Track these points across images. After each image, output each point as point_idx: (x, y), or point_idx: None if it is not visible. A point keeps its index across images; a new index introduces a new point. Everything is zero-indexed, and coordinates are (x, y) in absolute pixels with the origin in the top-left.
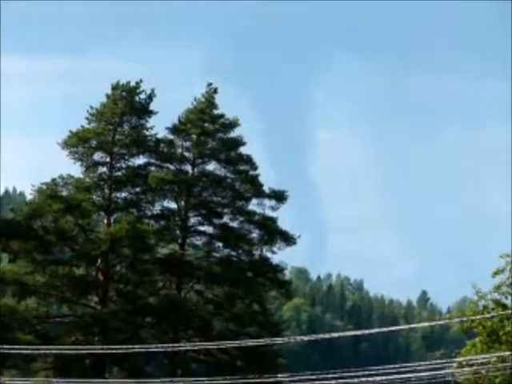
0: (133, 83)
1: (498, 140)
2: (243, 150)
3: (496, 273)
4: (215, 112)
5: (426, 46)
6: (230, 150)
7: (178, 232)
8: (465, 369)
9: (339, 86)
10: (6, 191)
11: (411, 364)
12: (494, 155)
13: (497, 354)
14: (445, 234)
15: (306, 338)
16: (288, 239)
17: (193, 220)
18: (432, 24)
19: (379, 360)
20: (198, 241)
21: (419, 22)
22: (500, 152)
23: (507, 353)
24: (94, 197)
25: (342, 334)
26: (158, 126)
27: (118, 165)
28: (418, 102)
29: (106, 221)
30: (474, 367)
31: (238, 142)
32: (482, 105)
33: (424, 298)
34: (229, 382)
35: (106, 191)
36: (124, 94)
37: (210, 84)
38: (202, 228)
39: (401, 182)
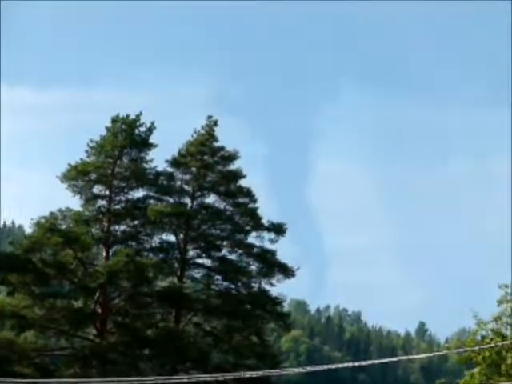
0: (133, 116)
1: (502, 170)
2: (243, 182)
3: (501, 301)
4: (215, 144)
5: (431, 76)
6: (229, 183)
7: (176, 265)
8: None
9: (343, 116)
10: (5, 224)
11: None
12: (498, 186)
13: None
14: (444, 265)
15: (304, 370)
16: (287, 271)
17: (191, 253)
18: (437, 52)
19: None
20: (197, 273)
21: (425, 51)
22: (504, 182)
23: None
24: (93, 230)
25: (340, 365)
26: (158, 158)
27: (117, 198)
28: (422, 132)
29: (104, 253)
30: None
31: (237, 175)
32: (487, 135)
33: (422, 329)
34: None
35: (105, 224)
36: (124, 126)
37: (211, 117)
38: (200, 261)
39: (402, 213)
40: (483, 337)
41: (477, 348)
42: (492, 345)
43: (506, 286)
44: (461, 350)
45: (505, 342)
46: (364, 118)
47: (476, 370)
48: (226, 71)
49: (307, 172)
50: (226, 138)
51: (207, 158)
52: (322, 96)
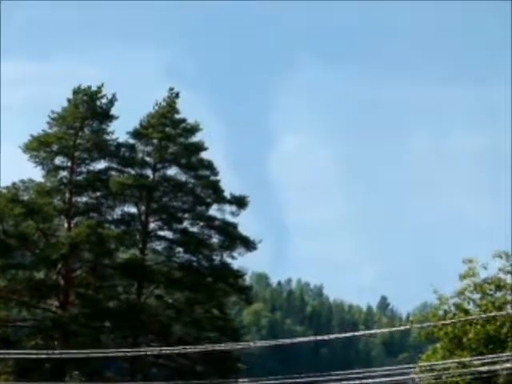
0: (94, 87)
1: (463, 146)
2: (204, 155)
3: (463, 276)
4: (176, 117)
5: (393, 51)
6: (191, 155)
7: (138, 237)
8: (426, 374)
9: (304, 91)
10: None
11: (372, 369)
12: (459, 162)
13: (458, 360)
14: (405, 239)
15: (266, 344)
16: (248, 244)
17: (153, 225)
18: (397, 30)
19: (339, 365)
20: (159, 246)
21: (386, 27)
22: (466, 158)
23: (468, 358)
24: (55, 201)
25: (302, 339)
26: (120, 130)
27: (79, 169)
28: (384, 107)
29: (66, 225)
30: (435, 372)
31: (199, 147)
32: (448, 111)
33: (384, 303)
34: None
35: (67, 195)
36: (85, 98)
37: (172, 89)
38: (162, 233)
39: (364, 188)
40: (445, 311)
41: (439, 323)
42: (455, 320)
43: (470, 261)
44: (423, 324)
45: (468, 318)
46: (324, 92)
47: (438, 344)
48: (183, 44)
49: (268, 146)
50: (186, 111)
51: (169, 130)
52: (281, 70)
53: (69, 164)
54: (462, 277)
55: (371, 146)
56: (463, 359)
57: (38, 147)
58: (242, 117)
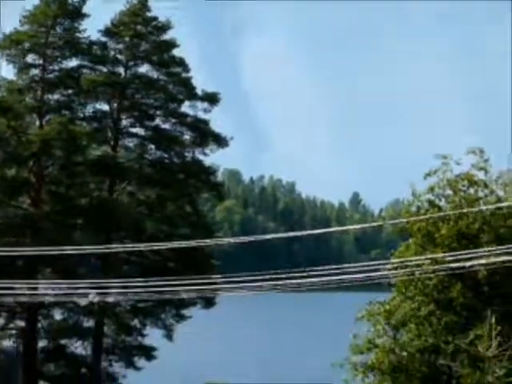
0: None
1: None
2: (176, 52)
3: (428, 174)
4: (148, 14)
5: None
6: (162, 53)
7: (109, 134)
8: (398, 270)
9: None
10: None
11: (345, 265)
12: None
13: (431, 256)
14: (378, 136)
15: (238, 240)
16: (220, 141)
17: (125, 122)
18: None
19: (311, 262)
20: (130, 143)
21: None
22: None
23: (441, 254)
24: (27, 99)
25: (274, 235)
26: (91, 28)
27: (51, 67)
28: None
29: (38, 123)
30: (408, 269)
31: (170, 44)
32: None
33: (356, 199)
34: (164, 283)
35: (39, 93)
36: None
37: None
38: (134, 130)
39: (338, 87)
40: (419, 208)
41: (412, 219)
42: (428, 216)
43: (444, 157)
44: (396, 221)
45: (440, 214)
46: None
47: (411, 240)
48: None
49: (241, 45)
50: (157, 10)
51: (140, 28)
52: None
53: (40, 62)
54: (430, 173)
55: (345, 46)
56: (436, 255)
57: (10, 45)
58: (215, 18)
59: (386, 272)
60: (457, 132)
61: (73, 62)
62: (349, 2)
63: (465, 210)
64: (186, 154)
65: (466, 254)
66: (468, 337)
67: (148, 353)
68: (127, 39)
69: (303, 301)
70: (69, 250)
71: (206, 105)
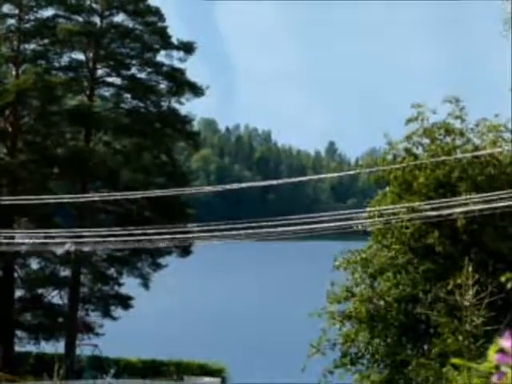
0: None
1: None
2: (151, 1)
3: (409, 120)
4: None
5: None
6: (138, 2)
7: (85, 83)
8: (375, 219)
9: None
10: None
11: (321, 214)
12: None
13: (407, 205)
14: (355, 87)
15: (214, 189)
16: (196, 90)
17: (101, 71)
18: None
19: (287, 211)
20: (106, 92)
21: None
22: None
23: (418, 203)
24: (3, 49)
25: (250, 184)
26: None
27: (27, 17)
28: None
29: (14, 72)
30: (385, 217)
31: None
32: None
33: (332, 148)
34: (140, 231)
35: (15, 43)
36: None
37: None
38: (110, 79)
39: (315, 39)
40: (395, 156)
41: (389, 167)
42: (405, 164)
43: (419, 106)
44: (373, 169)
45: (417, 162)
46: None
47: (388, 189)
48: None
49: None
50: None
51: None
52: None
53: (16, 11)
54: (409, 120)
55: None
56: (413, 204)
57: None
58: None
59: (362, 221)
60: (432, 83)
61: (48, 12)
62: None
63: (442, 158)
64: (162, 104)
65: (444, 202)
66: (446, 286)
67: (124, 302)
68: None
69: (279, 250)
70: (45, 199)
71: (181, 54)
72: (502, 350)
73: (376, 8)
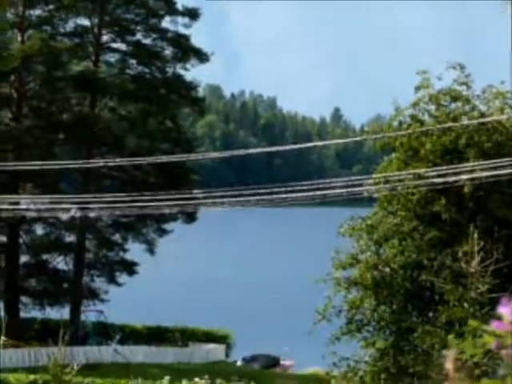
0: None
1: None
2: None
3: (418, 87)
4: None
5: None
6: None
7: (91, 49)
8: (381, 185)
9: None
10: None
11: (327, 180)
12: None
13: (413, 171)
14: (359, 54)
15: (219, 155)
16: (201, 56)
17: (106, 37)
18: None
19: (293, 177)
20: (112, 58)
21: None
22: None
23: (423, 169)
24: (8, 14)
25: (255, 150)
26: None
27: None
28: None
29: (19, 38)
30: (391, 184)
31: None
32: None
33: (337, 115)
34: (146, 198)
35: (20, 9)
36: None
37: None
38: (115, 45)
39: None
40: (401, 122)
41: (395, 134)
42: (412, 130)
43: (424, 72)
44: (379, 136)
45: (423, 128)
46: None
47: (393, 155)
48: None
49: None
50: None
51: None
52: None
53: None
54: (417, 88)
55: None
56: (419, 170)
57: None
58: None
59: (368, 187)
60: (436, 48)
61: None
62: None
63: (448, 125)
64: (167, 70)
65: (451, 169)
66: (452, 253)
67: (129, 268)
68: None
69: (284, 215)
70: (50, 164)
71: (186, 20)
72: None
73: None
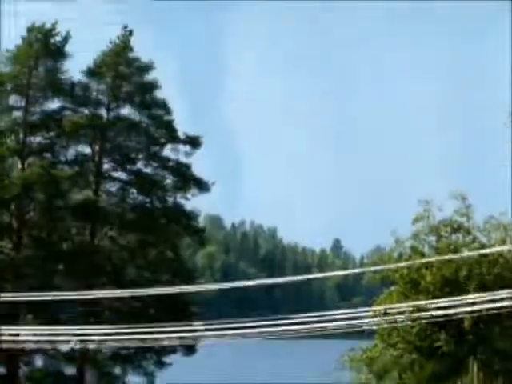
0: (48, 25)
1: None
2: (158, 93)
3: (416, 219)
4: (130, 55)
5: None
6: (144, 94)
7: (91, 178)
8: (381, 318)
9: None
10: None
11: (326, 313)
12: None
13: (412, 304)
14: (359, 184)
15: (219, 286)
16: (202, 186)
17: (106, 166)
18: None
19: (292, 309)
20: (112, 187)
21: None
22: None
23: (423, 302)
24: (8, 141)
25: (255, 282)
26: (74, 69)
27: (33, 109)
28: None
29: (19, 165)
30: (390, 316)
31: (152, 85)
32: None
33: (337, 246)
34: (146, 330)
35: (21, 135)
36: (39, 35)
37: (126, 26)
38: (115, 174)
39: (319, 129)
40: (401, 254)
41: (395, 265)
42: (413, 262)
43: (427, 202)
44: (381, 267)
45: (423, 260)
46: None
47: (393, 288)
48: None
49: (223, 89)
50: (138, 47)
51: (122, 69)
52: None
53: (23, 104)
54: (416, 220)
55: (327, 78)
56: (419, 303)
57: None
58: (195, 59)
59: (368, 319)
60: (436, 176)
61: (55, 104)
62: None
63: (449, 257)
64: (168, 199)
65: (450, 301)
66: None
67: None
68: (109, 80)
69: (279, 348)
70: (50, 296)
71: (187, 148)
72: None
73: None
